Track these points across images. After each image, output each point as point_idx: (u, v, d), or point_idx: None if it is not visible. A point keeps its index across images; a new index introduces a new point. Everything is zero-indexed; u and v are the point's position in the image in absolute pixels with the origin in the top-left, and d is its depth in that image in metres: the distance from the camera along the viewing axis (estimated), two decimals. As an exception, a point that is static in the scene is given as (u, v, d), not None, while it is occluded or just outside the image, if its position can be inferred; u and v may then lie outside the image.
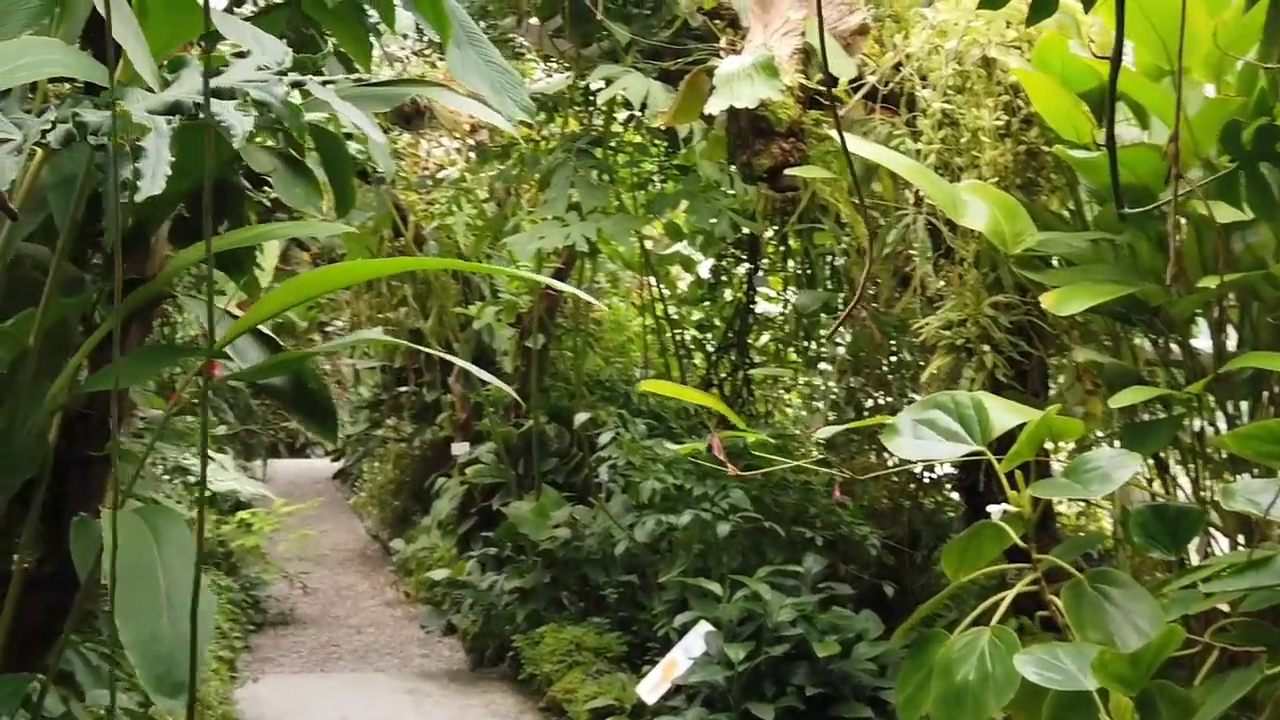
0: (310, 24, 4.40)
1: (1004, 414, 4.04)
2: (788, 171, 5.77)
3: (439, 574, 9.48)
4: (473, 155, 10.27)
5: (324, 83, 2.67)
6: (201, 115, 2.52)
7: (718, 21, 6.75)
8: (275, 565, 10.81)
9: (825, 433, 4.64)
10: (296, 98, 2.82)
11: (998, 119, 5.11)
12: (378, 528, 14.38)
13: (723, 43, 6.38)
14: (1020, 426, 3.92)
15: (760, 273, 9.36)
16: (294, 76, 2.69)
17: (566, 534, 8.25)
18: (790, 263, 9.10)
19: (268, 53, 2.80)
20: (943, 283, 5.38)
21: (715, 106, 5.65)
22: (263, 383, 3.79)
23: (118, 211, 2.41)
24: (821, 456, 7.55)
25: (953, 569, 4.15)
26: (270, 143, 3.71)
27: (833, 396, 8.36)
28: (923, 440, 4.05)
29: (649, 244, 11.22)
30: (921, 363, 6.51)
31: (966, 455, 3.97)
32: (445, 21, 4.00)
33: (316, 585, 11.67)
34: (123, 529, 3.11)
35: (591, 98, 8.67)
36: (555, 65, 9.74)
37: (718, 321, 9.96)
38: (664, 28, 7.55)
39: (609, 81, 7.28)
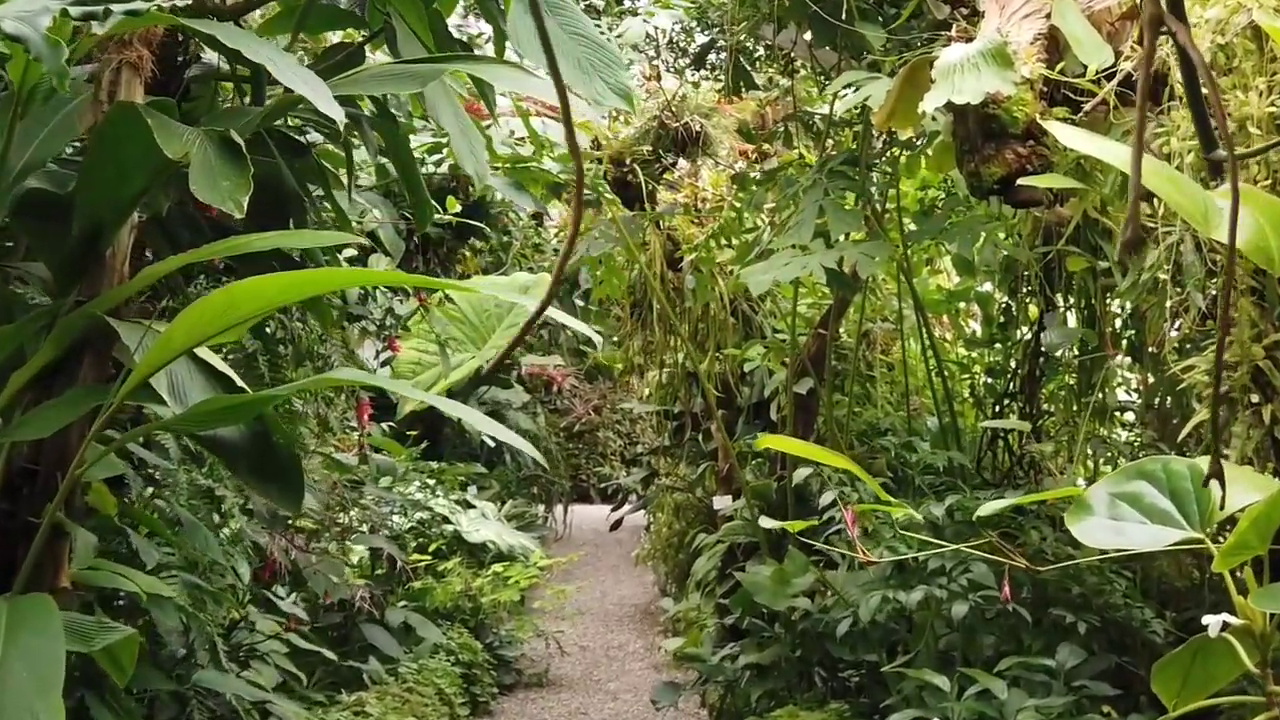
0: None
1: (1234, 489, 2.97)
2: (1022, 181, 4.75)
3: (672, 644, 8.64)
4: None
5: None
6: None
7: (962, 9, 5.76)
8: (530, 621, 10.16)
9: (987, 509, 3.62)
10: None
11: (1272, 105, 3.98)
12: (664, 581, 13.61)
13: (953, 31, 5.37)
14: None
15: (1058, 308, 8.13)
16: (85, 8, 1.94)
17: (807, 604, 7.22)
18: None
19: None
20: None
21: (931, 103, 4.69)
22: (203, 434, 3.04)
23: None
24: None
25: (1170, 693, 3.10)
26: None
27: (1132, 452, 7.11)
28: (1120, 522, 3.00)
29: (942, 279, 10.23)
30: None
31: (1175, 545, 2.93)
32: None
33: (587, 643, 10.99)
34: (-44, 622, 2.43)
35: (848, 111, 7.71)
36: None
37: (1013, 364, 8.79)
38: (926, 34, 6.53)
39: (853, 88, 6.36)
